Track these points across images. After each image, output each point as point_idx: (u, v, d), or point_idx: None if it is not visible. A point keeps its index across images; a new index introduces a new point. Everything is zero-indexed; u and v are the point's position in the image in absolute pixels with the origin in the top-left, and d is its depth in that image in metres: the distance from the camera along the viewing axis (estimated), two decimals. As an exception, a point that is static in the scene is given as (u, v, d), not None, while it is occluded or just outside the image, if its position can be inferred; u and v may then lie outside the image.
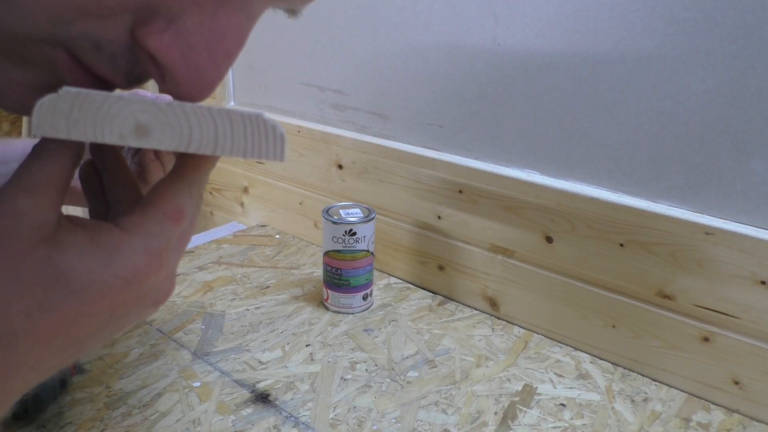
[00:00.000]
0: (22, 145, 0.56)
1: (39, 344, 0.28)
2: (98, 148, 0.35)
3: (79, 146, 0.31)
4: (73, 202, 0.56)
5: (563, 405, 0.61)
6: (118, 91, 0.30)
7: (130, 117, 0.27)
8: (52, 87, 0.27)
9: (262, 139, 0.29)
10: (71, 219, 0.30)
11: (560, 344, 0.71)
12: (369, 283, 0.77)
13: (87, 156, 0.35)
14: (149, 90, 0.74)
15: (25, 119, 1.62)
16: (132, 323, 0.32)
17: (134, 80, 0.30)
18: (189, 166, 0.32)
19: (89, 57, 0.28)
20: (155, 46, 0.27)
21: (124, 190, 0.34)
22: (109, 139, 0.27)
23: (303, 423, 0.57)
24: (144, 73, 0.30)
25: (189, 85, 0.29)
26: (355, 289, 0.75)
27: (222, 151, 0.29)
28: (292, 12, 0.34)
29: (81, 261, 0.28)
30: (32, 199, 0.28)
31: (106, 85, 0.30)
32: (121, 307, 0.30)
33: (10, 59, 0.28)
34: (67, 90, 0.26)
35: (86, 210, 0.38)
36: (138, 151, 0.61)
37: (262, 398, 0.60)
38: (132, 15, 0.27)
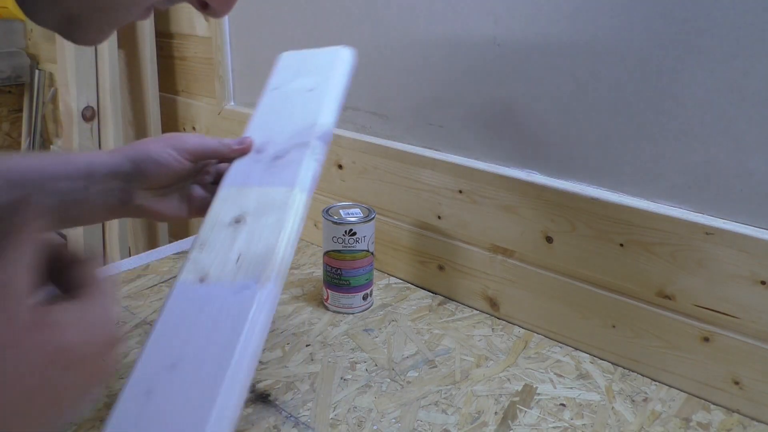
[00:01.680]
0: (84, 159, 0.55)
1: (36, 419, 0.30)
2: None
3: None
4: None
5: (563, 405, 0.61)
6: None
7: None
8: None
9: None
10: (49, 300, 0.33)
11: (560, 344, 0.71)
12: (369, 283, 0.77)
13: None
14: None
15: (24, 120, 1.62)
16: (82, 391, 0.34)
17: (173, 2, 0.41)
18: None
19: (160, 3, 0.40)
20: None
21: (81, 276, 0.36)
22: None
23: (303, 423, 0.57)
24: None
25: (222, 8, 0.40)
26: (355, 289, 0.75)
27: None
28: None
29: (76, 331, 0.32)
30: (22, 281, 0.30)
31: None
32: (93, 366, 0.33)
33: (110, 27, 0.39)
34: None
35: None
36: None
37: (262, 398, 0.60)
38: None
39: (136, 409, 0.39)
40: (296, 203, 0.51)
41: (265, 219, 0.50)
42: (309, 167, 0.54)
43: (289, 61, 0.68)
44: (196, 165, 0.59)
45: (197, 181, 0.61)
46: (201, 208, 0.59)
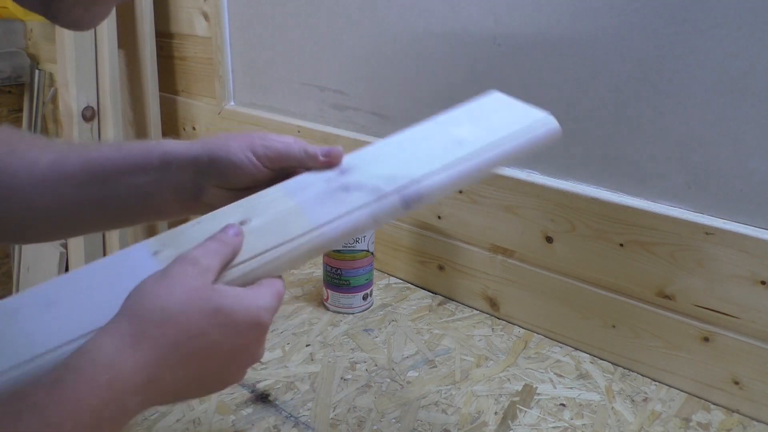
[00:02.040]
0: (161, 149, 0.52)
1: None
2: None
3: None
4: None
5: (563, 405, 0.61)
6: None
7: None
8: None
9: None
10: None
11: (560, 344, 0.71)
12: (369, 283, 0.77)
13: None
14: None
15: (24, 120, 1.62)
16: (224, 381, 0.43)
17: None
18: None
19: None
20: None
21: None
22: None
23: (303, 423, 0.57)
24: None
25: None
26: (355, 289, 0.75)
27: None
28: None
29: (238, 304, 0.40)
30: (203, 274, 0.40)
31: None
32: (239, 354, 0.41)
33: (94, 2, 0.37)
34: None
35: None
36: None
37: (262, 398, 0.60)
38: None
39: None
40: (295, 244, 0.45)
41: (261, 237, 0.46)
42: (351, 219, 0.46)
43: (485, 101, 0.59)
44: (276, 171, 0.52)
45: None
46: None
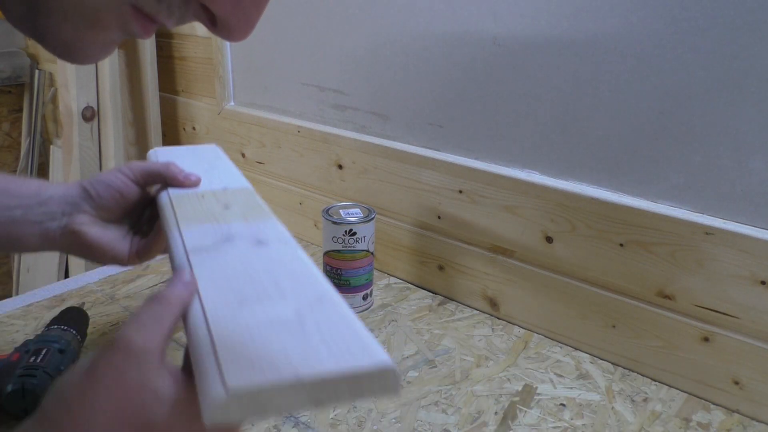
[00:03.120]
0: (36, 185, 0.56)
1: None
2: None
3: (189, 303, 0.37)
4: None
5: (563, 405, 0.61)
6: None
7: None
8: (118, 42, 0.34)
9: (388, 383, 0.32)
10: (168, 369, 0.34)
11: (560, 344, 0.71)
12: (369, 283, 0.77)
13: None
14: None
15: (24, 120, 1.62)
16: None
17: (181, 22, 0.35)
18: None
19: (150, 8, 0.32)
20: (211, 1, 0.32)
21: None
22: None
23: (303, 423, 0.57)
24: (191, 17, 0.34)
25: (238, 29, 0.33)
26: (355, 289, 0.75)
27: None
28: None
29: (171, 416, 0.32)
30: (150, 364, 0.33)
31: (158, 25, 0.35)
32: None
33: (83, 22, 0.32)
34: (238, 392, 0.29)
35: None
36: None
37: (262, 398, 0.60)
38: None
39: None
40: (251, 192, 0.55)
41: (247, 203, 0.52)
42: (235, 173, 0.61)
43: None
44: (143, 190, 0.59)
45: (139, 231, 0.61)
46: (142, 253, 0.59)
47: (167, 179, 0.57)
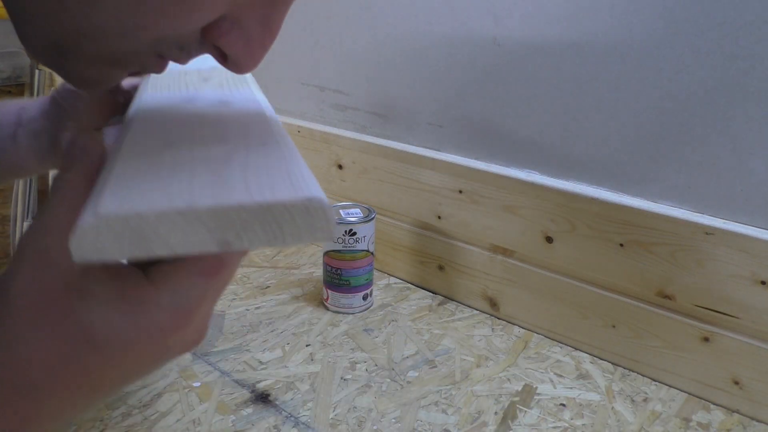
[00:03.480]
0: (17, 105, 0.55)
1: (60, 396, 0.28)
2: None
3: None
4: None
5: (563, 405, 0.61)
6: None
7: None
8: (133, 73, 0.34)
9: (315, 224, 0.27)
10: (97, 266, 0.28)
11: (560, 344, 0.71)
12: (369, 283, 0.77)
13: None
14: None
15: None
16: (157, 369, 0.32)
17: (188, 55, 0.35)
18: None
19: (173, 54, 0.34)
20: (225, 44, 0.33)
21: None
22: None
23: (303, 423, 0.57)
24: (205, 52, 0.35)
25: (246, 65, 0.34)
26: (355, 289, 0.75)
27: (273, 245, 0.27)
28: None
29: (105, 315, 0.27)
30: (58, 241, 0.27)
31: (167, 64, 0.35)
32: (146, 359, 0.30)
33: (107, 64, 0.32)
34: (106, 215, 0.24)
35: None
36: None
37: (262, 398, 0.60)
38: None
39: None
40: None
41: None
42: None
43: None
44: (115, 96, 0.54)
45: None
46: None
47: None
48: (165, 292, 0.28)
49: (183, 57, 0.34)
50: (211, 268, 0.29)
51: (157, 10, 0.28)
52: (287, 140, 0.34)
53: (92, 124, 0.54)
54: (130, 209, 0.24)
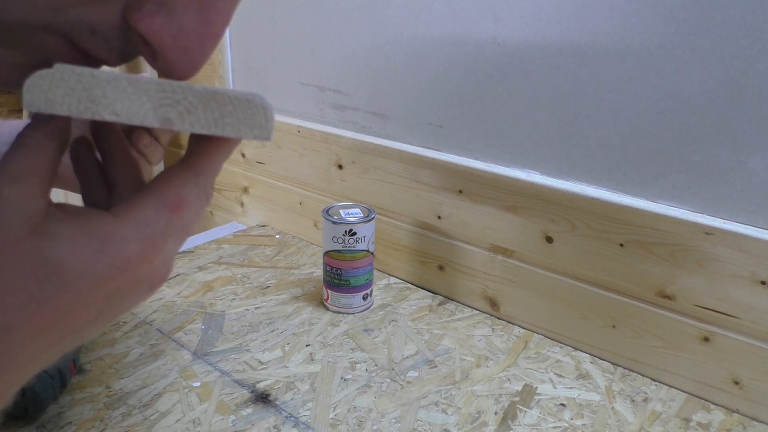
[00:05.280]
0: (10, 127, 0.54)
1: (34, 337, 0.27)
2: (98, 128, 0.34)
3: (65, 132, 0.30)
4: (65, 187, 0.54)
5: (563, 405, 0.61)
6: (104, 68, 0.30)
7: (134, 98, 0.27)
8: (42, 65, 0.27)
9: (255, 120, 0.30)
10: (61, 207, 0.29)
11: (560, 344, 0.71)
12: (369, 283, 0.77)
13: (78, 134, 0.35)
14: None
15: (24, 116, 1.62)
16: (129, 308, 0.32)
17: (125, 58, 0.31)
18: (199, 155, 0.32)
19: (84, 40, 0.29)
20: (147, 30, 0.28)
21: (125, 172, 0.33)
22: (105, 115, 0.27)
23: (303, 423, 0.57)
24: (135, 51, 0.30)
25: (179, 65, 0.30)
26: (355, 289, 0.75)
27: (214, 131, 0.29)
28: None
29: (72, 251, 0.27)
30: (19, 188, 0.27)
31: (98, 64, 0.30)
32: (116, 294, 0.29)
33: (2, 43, 0.28)
34: (63, 67, 0.26)
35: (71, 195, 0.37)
36: (130, 136, 0.55)
37: (262, 398, 0.60)
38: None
39: None
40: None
41: None
42: None
43: None
44: None
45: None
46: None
47: None
48: (130, 224, 0.29)
49: (101, 46, 0.29)
50: (173, 202, 0.30)
51: None
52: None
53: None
54: (85, 68, 0.26)
